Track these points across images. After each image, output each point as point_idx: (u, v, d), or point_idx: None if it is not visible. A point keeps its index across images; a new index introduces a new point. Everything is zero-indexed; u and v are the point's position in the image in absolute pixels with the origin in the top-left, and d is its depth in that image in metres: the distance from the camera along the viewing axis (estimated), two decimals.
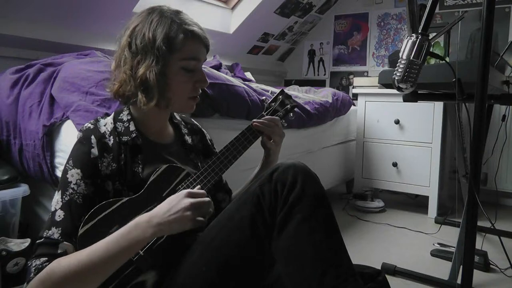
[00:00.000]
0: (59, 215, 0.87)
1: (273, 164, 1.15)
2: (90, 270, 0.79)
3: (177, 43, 0.92)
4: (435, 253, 1.92)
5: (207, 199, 0.87)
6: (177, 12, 0.96)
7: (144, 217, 0.84)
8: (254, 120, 1.10)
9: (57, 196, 0.89)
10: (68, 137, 1.33)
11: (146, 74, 0.91)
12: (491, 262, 1.78)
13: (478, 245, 1.62)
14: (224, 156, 1.03)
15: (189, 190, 0.87)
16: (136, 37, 0.92)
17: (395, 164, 2.66)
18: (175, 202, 0.84)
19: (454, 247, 1.76)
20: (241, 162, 1.18)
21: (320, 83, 3.59)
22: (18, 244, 1.32)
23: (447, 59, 1.51)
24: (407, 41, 1.05)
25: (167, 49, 0.91)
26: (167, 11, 0.95)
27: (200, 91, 1.01)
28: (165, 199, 0.89)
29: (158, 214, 0.84)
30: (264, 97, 1.70)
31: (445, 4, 3.00)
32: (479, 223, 1.26)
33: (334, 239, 0.85)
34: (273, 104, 1.12)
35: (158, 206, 0.86)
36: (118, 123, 0.98)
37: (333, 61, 3.56)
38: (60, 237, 0.85)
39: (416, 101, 1.61)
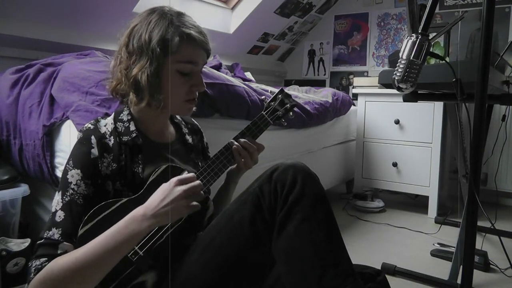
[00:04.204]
0: (60, 215, 0.87)
1: (235, 185, 1.16)
2: (88, 266, 0.79)
3: (173, 45, 0.91)
4: (435, 253, 1.92)
5: (197, 182, 0.87)
6: (179, 14, 0.96)
7: (139, 210, 0.84)
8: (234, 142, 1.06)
9: (57, 196, 0.89)
10: (68, 137, 1.32)
11: (139, 75, 0.91)
12: (491, 262, 1.78)
13: (478, 245, 1.62)
14: (223, 156, 1.03)
15: (178, 177, 0.87)
16: (134, 37, 0.93)
17: (395, 164, 2.66)
18: (168, 192, 0.84)
19: (454, 247, 1.76)
20: None
21: (320, 83, 3.59)
22: (18, 244, 1.32)
23: (447, 59, 1.51)
24: (407, 41, 1.05)
25: (162, 51, 0.91)
26: (168, 12, 0.94)
27: (197, 94, 1.01)
28: None
29: (152, 206, 0.84)
30: (263, 97, 1.70)
31: (445, 4, 3.00)
32: (479, 223, 1.26)
33: (334, 239, 0.85)
34: (272, 103, 1.12)
35: (151, 198, 0.85)
36: (119, 123, 0.98)
37: (333, 61, 3.56)
38: (60, 238, 0.85)
39: (416, 101, 1.61)
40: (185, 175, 0.88)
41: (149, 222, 0.83)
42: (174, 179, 0.86)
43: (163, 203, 0.83)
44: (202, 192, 0.88)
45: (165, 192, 0.85)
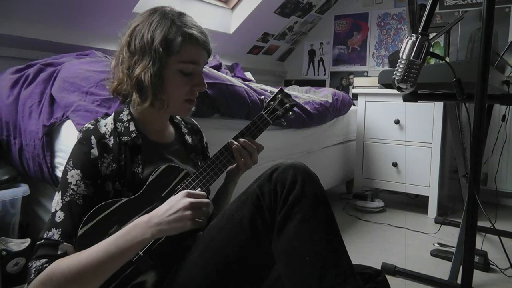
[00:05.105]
0: (59, 216, 0.87)
1: (234, 185, 1.16)
2: (90, 271, 0.79)
3: (175, 45, 0.92)
4: (435, 253, 1.92)
5: (206, 200, 0.87)
6: (180, 14, 0.96)
7: (144, 218, 0.84)
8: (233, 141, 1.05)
9: (57, 197, 0.89)
10: (68, 137, 1.33)
11: (142, 74, 0.91)
12: (491, 262, 1.78)
13: (478, 245, 1.62)
14: (223, 156, 1.03)
15: (188, 190, 0.87)
16: (136, 37, 0.93)
17: (395, 164, 2.66)
18: (175, 202, 0.85)
19: (454, 247, 1.76)
20: None
21: (320, 83, 3.59)
22: (18, 244, 1.32)
23: (447, 59, 1.51)
24: (407, 41, 1.05)
25: (164, 51, 0.91)
26: (170, 12, 0.95)
27: (198, 94, 1.01)
28: (164, 199, 0.89)
29: (158, 214, 0.84)
30: (263, 96, 1.70)
31: (445, 4, 3.00)
32: (479, 223, 1.26)
33: (334, 239, 0.85)
34: (272, 103, 1.12)
35: (158, 207, 0.86)
36: (118, 123, 0.98)
37: (333, 61, 3.56)
38: (60, 238, 0.85)
39: (416, 101, 1.61)
40: (197, 191, 0.88)
41: (153, 230, 0.83)
42: (184, 191, 0.86)
43: (169, 212, 0.83)
44: (210, 210, 0.88)
45: (172, 202, 0.85)
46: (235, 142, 1.05)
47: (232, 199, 0.99)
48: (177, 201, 0.84)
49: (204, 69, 1.11)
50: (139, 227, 0.83)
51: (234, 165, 1.12)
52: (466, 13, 2.92)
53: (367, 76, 3.36)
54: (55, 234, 0.85)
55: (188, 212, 0.83)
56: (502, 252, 1.53)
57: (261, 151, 1.10)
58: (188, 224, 0.84)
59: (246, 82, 1.97)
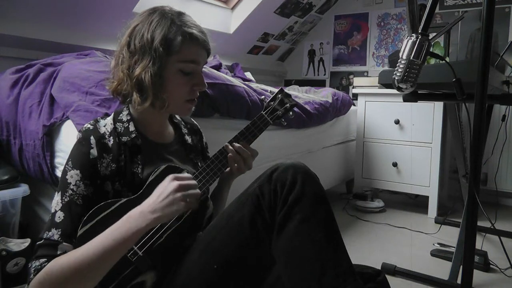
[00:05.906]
0: (59, 216, 0.87)
1: (228, 188, 1.16)
2: (87, 266, 0.79)
3: (175, 45, 0.92)
4: (435, 253, 1.93)
5: (193, 181, 0.87)
6: (179, 14, 0.96)
7: (137, 209, 0.84)
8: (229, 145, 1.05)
9: (57, 197, 0.89)
10: (68, 137, 1.33)
11: (142, 74, 0.91)
12: (491, 262, 1.78)
13: (478, 245, 1.62)
14: (223, 156, 1.03)
15: (174, 174, 0.87)
16: (135, 37, 0.93)
17: (395, 164, 2.66)
18: (163, 187, 0.85)
19: (454, 247, 1.76)
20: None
21: (320, 83, 3.59)
22: (18, 244, 1.32)
23: (447, 59, 1.51)
24: (407, 41, 1.05)
25: (164, 50, 0.91)
26: (169, 12, 0.95)
27: (198, 94, 1.01)
28: None
29: (149, 203, 0.84)
30: (263, 96, 1.70)
31: (445, 4, 3.00)
32: (479, 223, 1.26)
33: (333, 239, 0.85)
34: (272, 103, 1.11)
35: (149, 197, 0.86)
36: (118, 123, 0.98)
37: (333, 61, 3.56)
38: (60, 238, 0.85)
39: (416, 101, 1.61)
40: (183, 174, 0.89)
41: (147, 218, 0.82)
42: (170, 176, 0.87)
43: (160, 198, 0.84)
44: (198, 190, 0.88)
45: (161, 188, 0.86)
46: (230, 147, 1.04)
47: (232, 199, 0.99)
48: (166, 186, 0.85)
49: (204, 69, 1.11)
50: (132, 218, 0.83)
51: (228, 169, 1.12)
52: (466, 13, 2.92)
53: (367, 76, 3.36)
54: (55, 234, 0.85)
55: (179, 194, 0.83)
56: (502, 252, 1.53)
57: (255, 157, 1.09)
58: (181, 206, 0.84)
59: (246, 82, 1.97)
